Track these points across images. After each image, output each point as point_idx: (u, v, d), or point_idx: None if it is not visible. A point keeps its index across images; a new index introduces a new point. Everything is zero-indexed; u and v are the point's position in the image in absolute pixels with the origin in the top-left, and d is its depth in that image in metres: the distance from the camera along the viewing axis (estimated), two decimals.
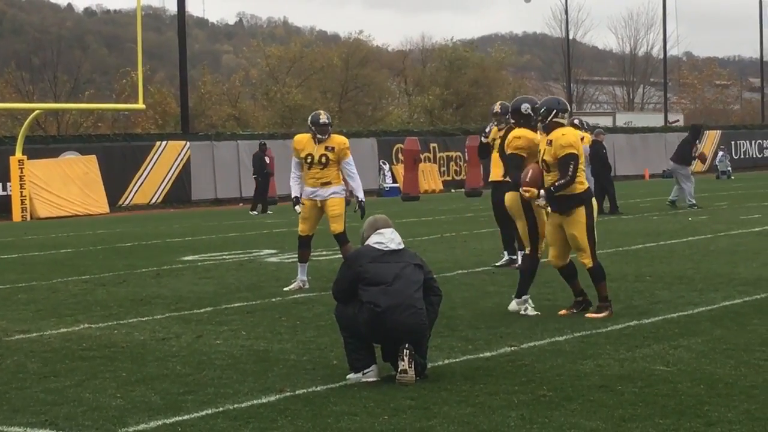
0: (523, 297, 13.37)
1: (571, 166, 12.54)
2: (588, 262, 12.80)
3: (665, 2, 79.49)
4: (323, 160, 16.21)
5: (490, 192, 18.35)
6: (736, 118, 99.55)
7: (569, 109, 12.93)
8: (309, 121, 16.42)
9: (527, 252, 13.66)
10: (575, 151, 12.58)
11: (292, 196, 16.51)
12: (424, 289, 9.84)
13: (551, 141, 12.63)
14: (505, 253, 18.24)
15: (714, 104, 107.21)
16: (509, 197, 13.73)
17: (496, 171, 17.70)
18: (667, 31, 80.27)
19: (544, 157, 12.75)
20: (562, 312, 13.00)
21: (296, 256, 16.91)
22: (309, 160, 16.27)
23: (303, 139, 16.40)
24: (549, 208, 13.02)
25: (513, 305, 13.49)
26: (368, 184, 51.66)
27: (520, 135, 13.67)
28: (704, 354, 10.39)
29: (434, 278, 10.12)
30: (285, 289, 16.15)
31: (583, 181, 12.83)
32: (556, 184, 12.55)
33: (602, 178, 29.36)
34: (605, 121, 76.54)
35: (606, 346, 10.97)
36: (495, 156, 17.90)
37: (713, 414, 8.13)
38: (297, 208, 16.45)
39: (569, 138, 12.59)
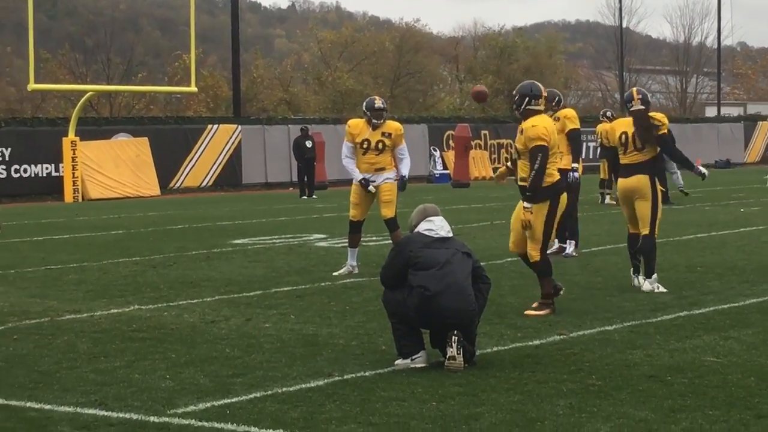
0: (654, 276, 14.02)
1: (539, 159, 12.23)
2: (536, 255, 12.51)
3: None
4: (380, 146, 16.21)
5: None
6: None
7: (542, 94, 12.60)
8: (364, 107, 16.39)
9: (647, 233, 14.00)
10: (544, 143, 12.26)
11: (359, 179, 16.40)
12: (473, 277, 9.86)
13: (523, 129, 12.44)
14: (556, 241, 18.20)
15: None
16: (638, 179, 14.06)
17: None
18: (721, 20, 79.67)
19: (516, 144, 12.66)
20: (529, 312, 12.36)
21: (346, 240, 16.92)
22: (365, 146, 16.25)
23: (359, 124, 16.37)
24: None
25: (646, 285, 14.03)
26: (419, 171, 51.77)
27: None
28: (755, 346, 10.34)
29: (482, 267, 10.13)
30: (335, 273, 16.18)
31: (553, 173, 12.46)
32: (530, 182, 12.35)
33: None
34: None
35: (656, 336, 10.93)
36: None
37: (763, 406, 8.09)
38: (371, 188, 16.39)
39: (538, 130, 12.25)
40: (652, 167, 14.22)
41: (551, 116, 17.78)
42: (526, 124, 12.37)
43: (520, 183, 12.61)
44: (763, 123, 70.60)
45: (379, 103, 16.30)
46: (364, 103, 16.43)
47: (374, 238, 20.91)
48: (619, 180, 14.51)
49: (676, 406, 8.14)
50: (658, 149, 14.19)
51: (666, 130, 14.35)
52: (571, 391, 8.65)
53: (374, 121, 16.17)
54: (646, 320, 11.83)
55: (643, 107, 14.43)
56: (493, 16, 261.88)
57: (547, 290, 12.46)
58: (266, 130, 49.40)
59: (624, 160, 14.35)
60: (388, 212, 16.34)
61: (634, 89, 14.86)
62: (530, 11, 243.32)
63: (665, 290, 13.86)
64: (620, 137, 14.31)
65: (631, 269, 14.63)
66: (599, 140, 29.67)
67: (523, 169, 12.48)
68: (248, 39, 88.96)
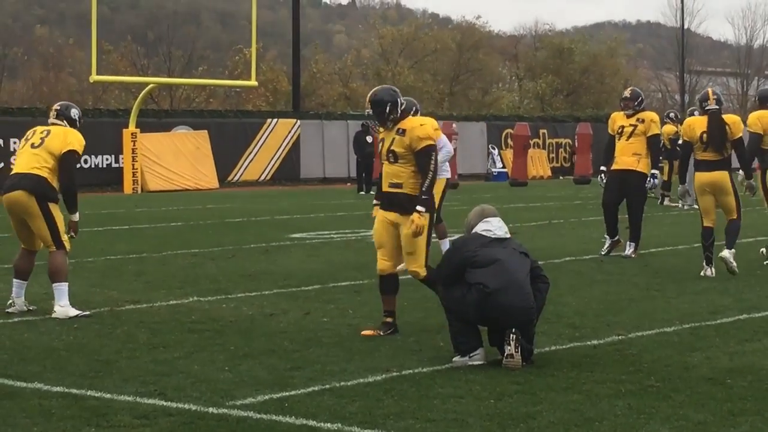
0: (733, 250, 15.45)
1: (433, 158, 11.03)
2: (422, 271, 11.22)
3: None
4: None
5: (607, 180, 18.09)
6: None
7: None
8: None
9: (734, 218, 15.89)
10: (434, 143, 11.15)
11: None
12: (531, 277, 9.85)
13: (404, 130, 11.09)
14: (607, 237, 18.13)
15: None
16: (719, 175, 15.48)
17: (623, 159, 17.69)
18: None
19: (393, 148, 11.16)
20: (367, 332, 11.20)
21: None
22: None
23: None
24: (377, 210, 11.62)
25: (725, 253, 15.34)
26: (477, 169, 51.86)
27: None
28: None
29: (540, 267, 10.11)
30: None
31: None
32: (425, 186, 10.97)
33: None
34: None
35: (715, 338, 10.87)
36: (622, 144, 17.78)
37: None
38: None
39: (427, 129, 11.15)
40: (729, 163, 15.63)
41: (632, 115, 17.76)
42: (412, 123, 11.18)
43: (388, 189, 11.23)
44: None
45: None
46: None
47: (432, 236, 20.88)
48: (699, 174, 15.65)
49: (736, 409, 8.10)
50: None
51: (740, 134, 15.56)
52: (629, 392, 8.63)
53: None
54: (706, 323, 11.76)
55: (717, 107, 15.55)
56: (554, 15, 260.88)
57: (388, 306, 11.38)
58: (325, 125, 49.51)
59: (703, 156, 15.52)
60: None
61: (710, 89, 16.07)
62: (592, 10, 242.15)
63: (735, 266, 15.27)
64: (701, 135, 15.44)
65: (704, 260, 15.67)
66: (663, 142, 29.60)
67: (397, 174, 11.09)
68: (308, 34, 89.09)
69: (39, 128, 12.92)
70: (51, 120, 12.98)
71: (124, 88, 66.65)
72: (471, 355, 9.70)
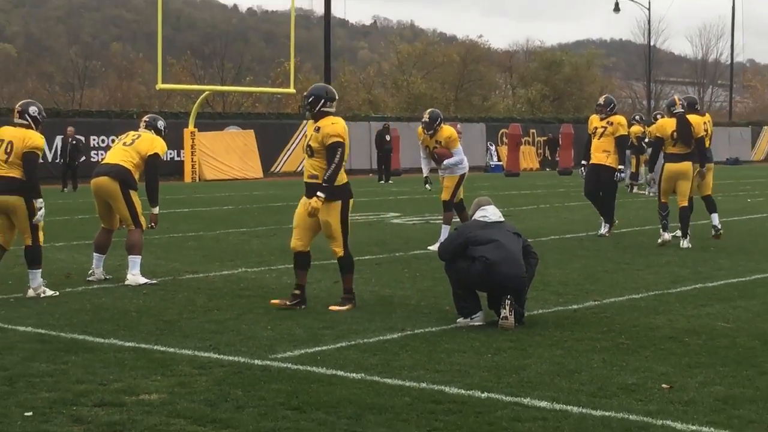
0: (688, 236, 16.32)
1: (338, 154, 10.55)
2: (339, 251, 10.83)
3: (734, 16, 78.48)
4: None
5: (586, 173, 18.10)
6: None
7: (336, 97, 10.90)
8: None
9: (685, 204, 16.41)
10: (342, 140, 10.62)
11: (425, 176, 16.97)
12: (523, 253, 9.85)
13: (319, 128, 10.65)
14: (604, 224, 18.00)
15: None
16: (685, 165, 16.30)
17: (596, 155, 17.68)
18: (734, 40, 78.81)
19: (309, 143, 10.76)
20: (275, 302, 10.79)
21: (417, 219, 16.90)
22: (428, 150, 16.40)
23: (420, 134, 16.50)
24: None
25: (684, 243, 16.09)
26: (477, 162, 51.71)
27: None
28: (759, 314, 10.25)
29: (531, 245, 10.12)
30: (429, 247, 15.92)
31: (344, 176, 10.75)
32: (327, 175, 10.53)
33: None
34: None
35: (675, 304, 10.85)
36: (595, 142, 17.77)
37: (766, 364, 8.02)
38: (427, 186, 16.78)
39: (338, 127, 10.62)
40: (693, 155, 16.37)
41: (604, 118, 17.71)
42: (325, 122, 10.68)
43: (308, 180, 10.77)
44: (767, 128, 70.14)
45: (425, 117, 16.44)
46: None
47: (440, 218, 20.88)
48: (669, 164, 16.38)
49: (692, 362, 8.08)
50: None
51: (702, 134, 16.51)
52: (604, 348, 8.62)
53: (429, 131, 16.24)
54: (668, 291, 11.74)
55: (683, 111, 16.44)
56: (542, 34, 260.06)
57: (348, 285, 10.88)
58: (351, 126, 49.17)
59: (673, 150, 16.28)
60: (443, 196, 16.34)
61: (677, 97, 17.11)
62: (574, 29, 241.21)
63: (690, 246, 15.94)
64: (672, 133, 16.19)
65: (661, 228, 16.63)
66: (630, 140, 29.57)
67: (314, 167, 10.69)
68: (337, 50, 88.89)
69: (132, 132, 13.06)
70: (141, 129, 13.04)
71: (184, 95, 66.63)
72: (472, 317, 9.70)
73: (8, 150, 11.46)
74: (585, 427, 6.37)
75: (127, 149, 12.69)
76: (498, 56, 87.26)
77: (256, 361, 8.15)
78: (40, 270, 11.60)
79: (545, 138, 56.10)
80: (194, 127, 42.11)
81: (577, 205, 24.73)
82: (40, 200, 11.52)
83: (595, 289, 11.89)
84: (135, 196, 12.62)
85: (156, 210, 12.86)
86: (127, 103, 66.44)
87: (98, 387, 7.36)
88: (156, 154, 12.74)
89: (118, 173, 12.51)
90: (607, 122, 17.77)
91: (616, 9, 74.21)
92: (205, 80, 69.41)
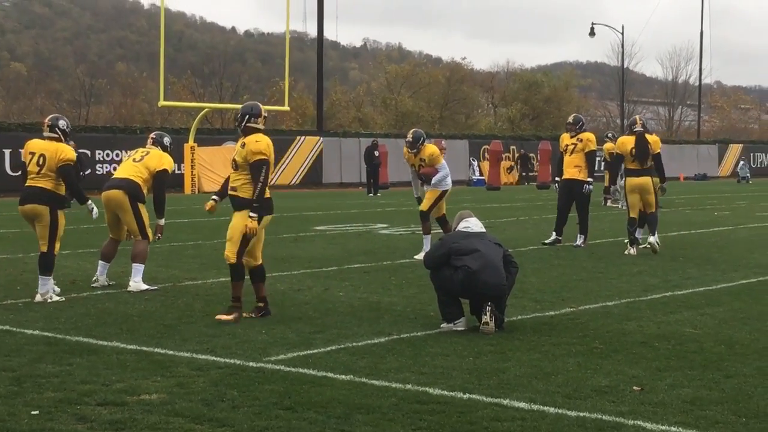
0: (656, 235, 16.58)
1: (263, 171, 10.36)
2: (232, 257, 10.39)
3: (702, 40, 78.39)
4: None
5: (559, 188, 18.20)
6: (755, 135, 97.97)
7: (263, 114, 10.64)
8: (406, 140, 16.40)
9: (653, 211, 16.82)
10: (266, 158, 10.41)
11: (416, 196, 16.94)
12: (504, 262, 9.84)
13: (245, 144, 10.43)
14: (554, 233, 18.13)
15: (738, 124, 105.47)
16: (645, 179, 16.66)
17: (569, 171, 17.76)
18: (702, 63, 79.02)
19: (235, 157, 10.55)
20: (220, 317, 10.27)
21: (405, 230, 16.86)
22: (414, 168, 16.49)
23: (405, 153, 16.58)
24: None
25: (652, 239, 16.44)
26: (460, 176, 51.72)
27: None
28: (725, 321, 10.25)
29: (511, 255, 10.12)
30: (415, 257, 15.87)
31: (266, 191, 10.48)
32: (256, 194, 10.37)
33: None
34: None
35: (646, 310, 10.85)
36: (567, 159, 17.86)
37: (731, 368, 8.02)
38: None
39: (261, 146, 10.39)
40: (651, 170, 16.77)
41: (574, 136, 17.77)
42: (250, 139, 10.43)
43: (230, 193, 10.61)
44: (733, 146, 70.32)
45: (409, 137, 16.46)
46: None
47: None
48: (630, 178, 16.80)
49: (662, 366, 8.09)
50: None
51: (658, 150, 16.77)
52: (579, 352, 8.62)
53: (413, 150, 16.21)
54: (639, 298, 11.75)
55: (642, 130, 16.85)
56: (522, 56, 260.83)
57: (236, 294, 10.42)
58: (342, 142, 49.51)
59: (633, 165, 16.67)
60: (422, 207, 16.31)
61: (638, 117, 17.62)
62: (552, 52, 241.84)
63: (659, 245, 16.39)
64: (631, 150, 16.59)
65: (628, 242, 16.79)
66: (604, 156, 29.74)
67: (236, 180, 10.53)
68: (329, 70, 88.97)
69: (141, 149, 13.10)
70: (148, 145, 13.10)
71: (185, 112, 66.64)
72: (455, 322, 9.70)
73: (40, 162, 11.54)
74: (561, 426, 6.36)
75: (137, 165, 12.74)
76: (480, 77, 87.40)
77: (251, 363, 8.13)
78: (50, 277, 11.59)
79: (518, 154, 56.02)
80: (194, 142, 42.03)
81: (554, 218, 24.70)
82: (90, 202, 11.88)
83: (571, 296, 11.89)
84: (143, 209, 12.64)
85: (162, 221, 12.85)
86: (131, 120, 66.30)
87: (101, 387, 7.33)
88: (164, 170, 12.78)
89: (128, 187, 12.54)
90: (577, 139, 17.87)
91: (592, 33, 74.41)
92: (204, 98, 69.41)
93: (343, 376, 7.67)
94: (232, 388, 7.28)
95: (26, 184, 11.65)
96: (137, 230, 12.60)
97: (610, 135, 31.10)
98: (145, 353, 8.55)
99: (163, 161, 12.80)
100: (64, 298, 11.58)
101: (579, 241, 17.82)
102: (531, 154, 55.26)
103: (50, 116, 12.15)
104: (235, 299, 10.42)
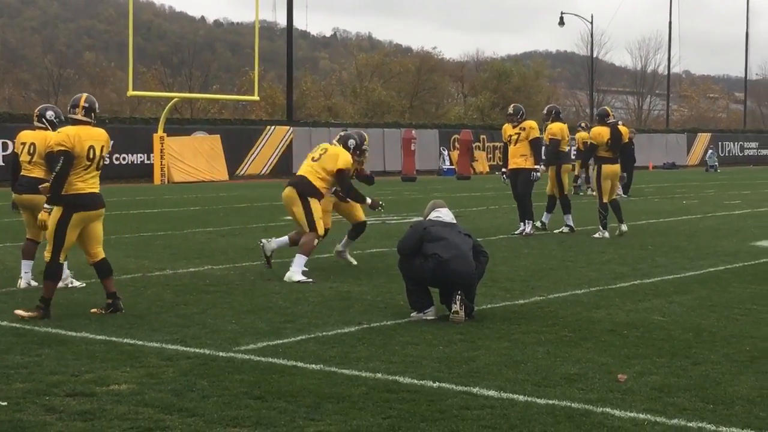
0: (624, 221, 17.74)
1: (61, 163, 9.88)
2: (47, 256, 10.00)
3: (671, 30, 78.69)
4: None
5: (509, 178, 18.26)
6: (723, 124, 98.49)
7: (77, 104, 10.23)
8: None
9: (616, 197, 17.92)
10: (66, 149, 9.85)
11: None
12: (474, 252, 9.87)
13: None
14: (522, 223, 18.11)
15: (706, 113, 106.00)
16: (618, 166, 17.78)
17: (514, 160, 17.81)
18: (671, 52, 79.43)
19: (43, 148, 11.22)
20: (93, 311, 10.13)
21: (373, 219, 16.82)
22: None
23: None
24: None
25: (624, 227, 17.59)
26: (430, 166, 51.80)
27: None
28: (693, 308, 10.32)
29: (481, 244, 10.14)
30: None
31: (83, 187, 9.98)
32: (50, 185, 9.97)
33: (628, 168, 29.03)
34: None
35: (615, 299, 10.90)
36: (512, 149, 17.90)
37: (699, 355, 8.08)
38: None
39: (61, 136, 9.97)
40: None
41: (516, 125, 17.78)
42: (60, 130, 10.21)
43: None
44: (702, 135, 70.65)
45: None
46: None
47: (395, 218, 20.91)
48: (606, 166, 17.71)
49: (631, 354, 8.13)
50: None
51: (628, 140, 18.18)
52: (548, 340, 8.65)
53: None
54: (608, 286, 11.81)
55: (615, 120, 17.97)
56: (493, 45, 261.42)
57: (47, 295, 9.87)
58: (312, 131, 49.38)
59: (608, 154, 17.70)
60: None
61: (608, 108, 18.60)
62: (522, 42, 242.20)
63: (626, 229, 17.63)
64: (607, 140, 17.60)
65: (600, 225, 17.56)
66: (576, 145, 29.86)
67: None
68: (299, 60, 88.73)
69: (321, 146, 13.68)
70: (334, 142, 13.70)
71: (154, 101, 66.31)
72: (425, 311, 9.71)
73: (31, 151, 11.77)
74: (530, 414, 6.39)
75: (314, 164, 13.15)
76: (451, 67, 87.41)
77: (221, 353, 8.12)
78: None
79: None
80: (163, 132, 41.87)
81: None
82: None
83: (541, 285, 11.93)
84: (314, 203, 12.90)
85: (368, 200, 13.54)
86: (100, 109, 65.78)
87: (70, 378, 7.31)
88: (340, 170, 13.07)
89: (301, 185, 12.97)
90: (520, 128, 17.93)
91: (561, 23, 74.65)
92: (174, 88, 69.14)
93: (313, 366, 7.67)
94: (202, 378, 7.27)
95: (21, 174, 11.88)
96: (306, 223, 12.80)
97: (583, 125, 31.25)
98: (114, 344, 8.52)
99: (339, 162, 13.05)
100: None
101: (528, 228, 17.79)
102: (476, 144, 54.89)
103: (39, 107, 12.41)
104: (44, 300, 9.85)
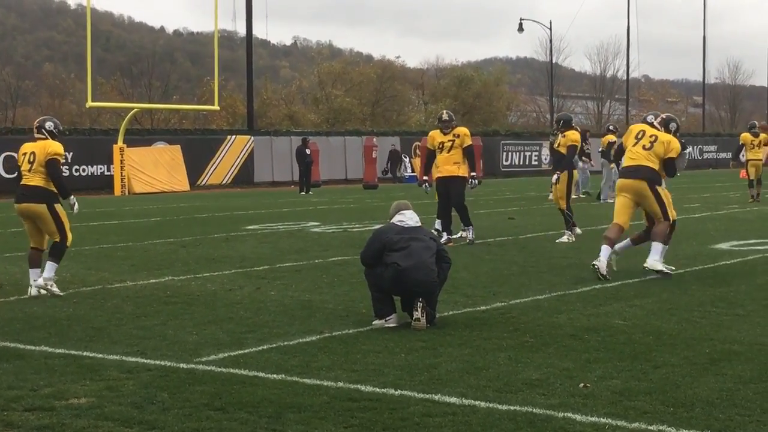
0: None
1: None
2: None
3: (629, 35, 79.25)
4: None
5: (437, 188, 18.24)
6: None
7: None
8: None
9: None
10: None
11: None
12: (437, 258, 9.84)
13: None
14: (444, 233, 17.92)
15: None
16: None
17: (446, 168, 17.61)
18: (630, 57, 79.95)
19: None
20: None
21: (336, 228, 16.83)
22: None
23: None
24: None
25: (577, 230, 18.10)
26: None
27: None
28: (653, 312, 10.37)
29: (445, 249, 10.12)
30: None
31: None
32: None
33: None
34: None
35: (576, 303, 10.94)
36: (443, 156, 17.69)
37: (659, 358, 8.11)
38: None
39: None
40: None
41: (448, 132, 17.53)
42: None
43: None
44: None
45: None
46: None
47: (357, 226, 20.90)
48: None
49: (592, 358, 8.15)
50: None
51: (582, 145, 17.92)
52: (510, 346, 8.66)
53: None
54: (569, 291, 11.85)
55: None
56: (453, 53, 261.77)
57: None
58: (273, 140, 49.28)
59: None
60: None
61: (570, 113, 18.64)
62: (481, 49, 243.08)
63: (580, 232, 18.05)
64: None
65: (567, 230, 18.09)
66: (600, 148, 31.09)
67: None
68: (259, 69, 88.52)
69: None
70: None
71: (114, 112, 65.85)
72: (387, 318, 9.70)
73: (31, 160, 12.17)
74: (492, 420, 6.39)
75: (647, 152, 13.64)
76: (411, 74, 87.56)
77: (182, 365, 8.07)
78: (57, 265, 11.94)
79: (390, 149, 54.35)
80: (123, 143, 41.65)
81: (485, 213, 24.88)
82: (72, 197, 12.30)
83: (502, 290, 11.95)
84: (663, 192, 13.58)
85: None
86: (60, 121, 65.32)
87: (29, 392, 7.24)
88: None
89: (647, 173, 13.54)
90: (454, 135, 17.52)
91: (520, 29, 74.94)
92: (133, 98, 68.74)
93: (275, 376, 7.64)
94: (163, 390, 7.22)
95: (20, 183, 12.24)
96: (660, 214, 13.51)
97: (611, 128, 31.93)
98: (73, 357, 8.45)
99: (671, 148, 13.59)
100: (63, 293, 11.87)
101: (470, 234, 17.70)
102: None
103: (38, 119, 12.86)
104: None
